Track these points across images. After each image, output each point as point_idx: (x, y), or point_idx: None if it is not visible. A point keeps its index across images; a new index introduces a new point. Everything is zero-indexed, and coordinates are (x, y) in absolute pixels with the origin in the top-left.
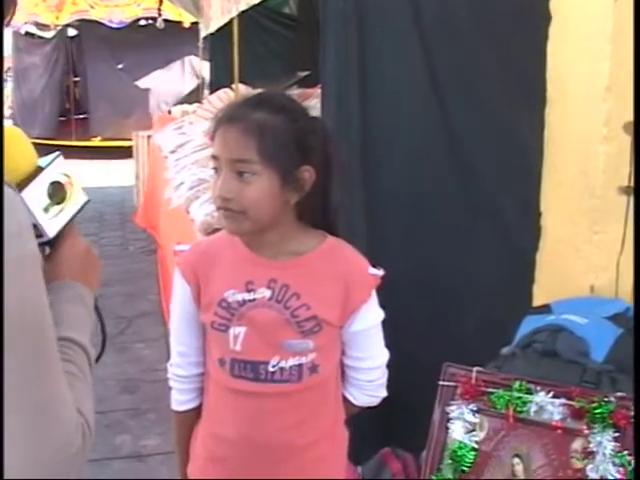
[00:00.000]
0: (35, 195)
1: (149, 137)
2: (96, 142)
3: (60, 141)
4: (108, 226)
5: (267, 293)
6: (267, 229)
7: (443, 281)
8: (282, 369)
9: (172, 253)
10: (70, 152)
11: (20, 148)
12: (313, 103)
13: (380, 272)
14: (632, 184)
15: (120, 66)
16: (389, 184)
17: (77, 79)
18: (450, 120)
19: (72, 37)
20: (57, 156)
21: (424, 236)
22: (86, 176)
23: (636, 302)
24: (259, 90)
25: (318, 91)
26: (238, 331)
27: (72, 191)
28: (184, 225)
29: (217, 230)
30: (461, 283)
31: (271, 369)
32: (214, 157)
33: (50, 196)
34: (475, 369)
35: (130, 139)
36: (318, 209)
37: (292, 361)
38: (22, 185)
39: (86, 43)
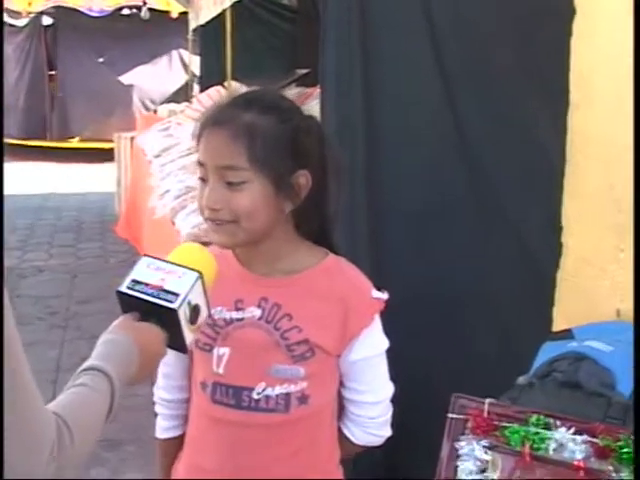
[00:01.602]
0: (191, 286)
1: (132, 139)
2: (74, 143)
3: (34, 142)
4: (86, 236)
5: (257, 312)
6: (261, 242)
7: (453, 303)
8: (268, 397)
9: None
10: (45, 154)
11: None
12: (313, 104)
13: (384, 295)
14: None
15: (101, 59)
16: (395, 194)
17: (53, 73)
18: (463, 124)
19: (47, 26)
20: (198, 278)
21: (433, 252)
22: (62, 181)
23: (636, 305)
24: (254, 88)
25: (318, 91)
26: (222, 352)
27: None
28: (169, 237)
29: (205, 244)
30: (473, 306)
31: (255, 396)
32: (200, 164)
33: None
34: (487, 401)
35: (111, 140)
36: (315, 218)
37: (279, 389)
38: (190, 270)
39: (63, 33)
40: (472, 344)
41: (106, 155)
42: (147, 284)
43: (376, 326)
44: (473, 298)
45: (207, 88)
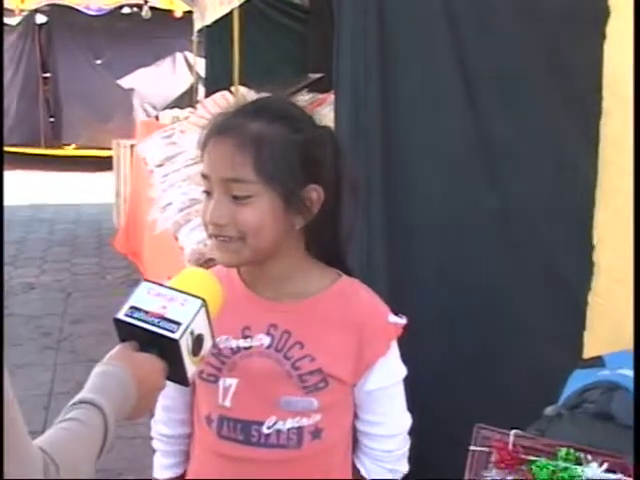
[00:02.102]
0: (194, 314)
1: (132, 147)
2: (69, 151)
3: (26, 149)
4: (82, 251)
5: (266, 340)
6: (269, 261)
7: (476, 328)
8: (279, 432)
9: None
10: (38, 162)
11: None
12: (326, 111)
13: (402, 320)
14: None
15: (99, 61)
16: (415, 211)
17: (47, 75)
18: (487, 134)
19: (41, 25)
20: (202, 306)
21: (455, 273)
22: (56, 191)
23: (636, 310)
24: (261, 94)
25: (332, 97)
26: (229, 383)
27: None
28: (172, 253)
29: (211, 260)
30: (498, 330)
31: (265, 431)
32: (204, 176)
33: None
34: (513, 432)
35: (109, 148)
36: (328, 236)
37: (291, 422)
38: (195, 298)
39: (58, 32)
40: (496, 371)
41: (104, 164)
42: (147, 311)
43: (393, 353)
44: (497, 322)
45: (213, 93)
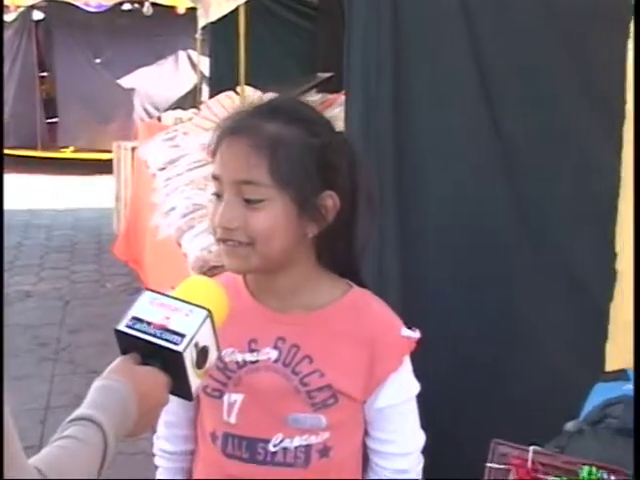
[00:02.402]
0: (199, 326)
1: (133, 149)
2: (67, 153)
3: (22, 151)
4: (81, 258)
5: (273, 354)
6: (278, 270)
7: (493, 339)
8: (286, 450)
9: None
10: (35, 165)
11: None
12: (336, 112)
13: (415, 334)
14: None
15: (98, 60)
16: (429, 217)
17: (44, 74)
18: (506, 137)
19: (38, 21)
20: (207, 316)
21: (471, 284)
22: (54, 195)
23: (636, 311)
24: (270, 94)
25: (342, 97)
26: (234, 399)
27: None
28: (174, 260)
29: (215, 268)
30: (516, 342)
31: (272, 449)
32: (215, 178)
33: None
34: (532, 448)
35: (109, 151)
36: (341, 245)
37: (299, 440)
38: (199, 308)
39: (56, 30)
40: (514, 385)
41: (104, 167)
42: (149, 322)
43: (406, 369)
44: (514, 333)
45: (217, 93)
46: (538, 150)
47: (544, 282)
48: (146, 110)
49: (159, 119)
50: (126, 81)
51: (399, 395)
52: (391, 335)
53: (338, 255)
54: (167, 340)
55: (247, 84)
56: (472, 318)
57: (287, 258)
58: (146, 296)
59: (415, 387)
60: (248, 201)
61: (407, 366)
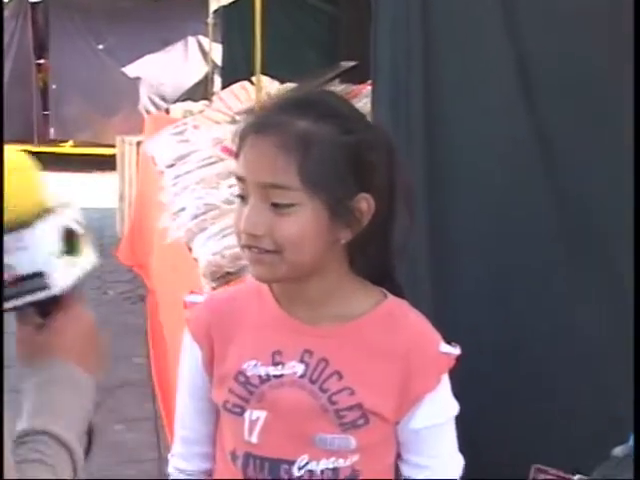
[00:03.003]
0: (44, 237)
1: (138, 144)
2: (67, 148)
3: (16, 146)
4: None
5: (299, 369)
6: (307, 278)
7: (533, 353)
8: (311, 472)
9: (167, 302)
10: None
11: (27, 182)
12: (361, 104)
13: (455, 350)
14: None
15: (101, 46)
16: (465, 220)
17: (42, 61)
18: (545, 128)
19: (35, 3)
20: (70, 203)
21: (508, 287)
22: (51, 194)
23: (636, 308)
24: (289, 85)
25: (368, 88)
26: (256, 416)
27: (84, 246)
28: (184, 266)
29: (229, 274)
30: (558, 356)
31: (297, 472)
32: (240, 179)
33: (62, 243)
34: (577, 477)
35: (113, 145)
36: (376, 252)
37: (325, 463)
38: (26, 224)
39: (54, 12)
40: (556, 404)
41: (106, 163)
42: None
43: (443, 388)
44: (557, 348)
45: (231, 83)
46: (582, 147)
47: (590, 292)
48: (153, 101)
49: (167, 111)
50: (131, 69)
51: (436, 416)
52: (429, 350)
53: (372, 261)
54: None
55: (263, 74)
56: (510, 331)
57: (317, 266)
58: None
59: (454, 407)
60: (275, 205)
61: (445, 385)
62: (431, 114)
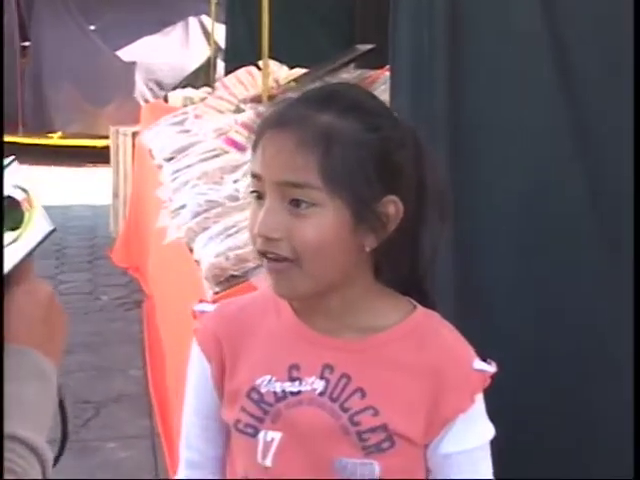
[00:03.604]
0: None
1: (134, 135)
2: (55, 140)
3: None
4: (71, 265)
5: (319, 385)
6: (329, 290)
7: (572, 364)
8: None
9: (165, 308)
10: (16, 153)
11: None
12: (379, 92)
13: (491, 368)
14: None
15: (92, 27)
16: (492, 218)
17: (27, 44)
18: (584, 118)
19: None
20: (11, 162)
21: (538, 294)
22: (38, 190)
23: (636, 306)
24: (295, 70)
25: (386, 74)
26: (271, 437)
27: (31, 214)
28: (185, 268)
29: (233, 278)
30: (600, 367)
31: None
32: (255, 177)
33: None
34: None
35: (106, 137)
36: (404, 260)
37: None
38: None
39: None
40: (602, 419)
41: (98, 156)
42: None
43: (478, 409)
44: (599, 358)
45: (235, 69)
46: (623, 142)
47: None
48: (150, 88)
49: (165, 99)
50: (126, 53)
51: (469, 440)
52: (462, 367)
53: (400, 270)
54: None
55: (271, 58)
56: (546, 343)
57: (340, 276)
58: None
59: (489, 431)
60: (294, 206)
61: (480, 406)
62: (457, 103)
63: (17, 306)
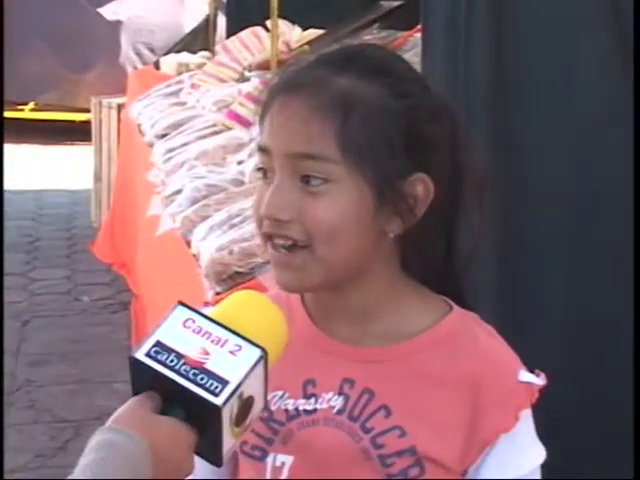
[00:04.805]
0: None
1: (120, 107)
2: (26, 112)
3: None
4: (45, 260)
5: (337, 402)
6: (347, 284)
7: (622, 375)
8: None
9: (157, 310)
10: None
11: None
12: (407, 56)
13: (539, 381)
14: None
15: None
16: (532, 204)
17: None
18: None
19: None
20: (261, 358)
21: (587, 295)
22: (7, 172)
23: (636, 305)
24: (310, 32)
25: (417, 36)
26: (281, 461)
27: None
28: (180, 264)
29: (237, 275)
30: None
31: None
32: (262, 149)
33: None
34: None
35: (87, 110)
36: (436, 251)
37: None
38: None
39: None
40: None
41: (78, 132)
42: (181, 355)
43: (524, 427)
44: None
45: (240, 30)
46: None
47: None
48: (138, 52)
49: (156, 65)
50: (110, 10)
51: (515, 465)
52: (505, 380)
53: (432, 263)
54: (203, 387)
55: (280, 17)
56: (593, 351)
57: (359, 267)
58: (179, 313)
59: (540, 454)
60: (307, 183)
61: (527, 424)
62: (498, 69)
63: (168, 448)
